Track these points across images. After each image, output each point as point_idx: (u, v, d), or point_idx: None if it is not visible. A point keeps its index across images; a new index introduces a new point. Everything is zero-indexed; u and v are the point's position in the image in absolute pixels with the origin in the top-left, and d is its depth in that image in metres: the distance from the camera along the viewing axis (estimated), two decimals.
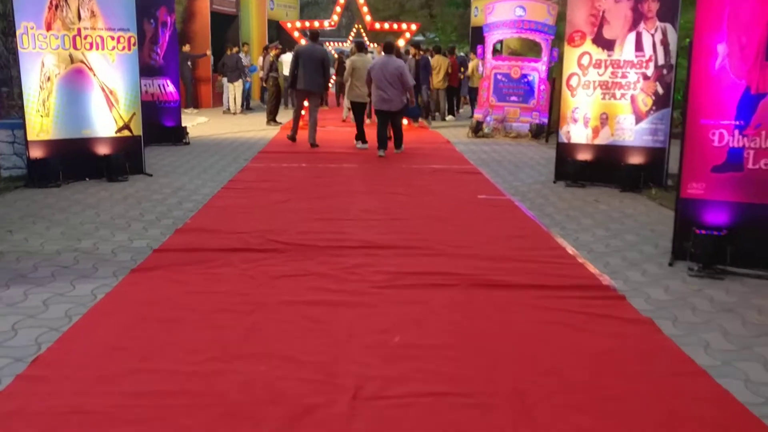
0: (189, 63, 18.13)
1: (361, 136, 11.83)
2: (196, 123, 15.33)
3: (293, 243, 5.60)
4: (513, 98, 13.67)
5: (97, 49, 8.34)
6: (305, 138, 11.87)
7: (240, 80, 17.55)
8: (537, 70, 13.43)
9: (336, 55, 22.89)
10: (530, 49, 15.42)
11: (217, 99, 19.25)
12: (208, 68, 19.47)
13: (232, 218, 6.50)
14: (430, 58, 15.76)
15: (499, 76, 13.70)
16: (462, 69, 18.01)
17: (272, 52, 15.49)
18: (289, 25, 14.43)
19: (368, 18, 14.60)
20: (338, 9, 14.67)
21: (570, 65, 8.78)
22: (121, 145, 8.63)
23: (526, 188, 8.43)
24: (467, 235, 6.04)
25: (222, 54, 18.25)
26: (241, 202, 7.21)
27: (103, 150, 8.51)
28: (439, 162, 10.32)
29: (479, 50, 13.98)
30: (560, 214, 7.00)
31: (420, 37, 29.47)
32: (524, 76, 13.55)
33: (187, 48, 18.13)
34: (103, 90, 8.45)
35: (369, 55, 17.64)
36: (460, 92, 18.83)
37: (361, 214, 6.79)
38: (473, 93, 17.48)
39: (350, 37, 28.88)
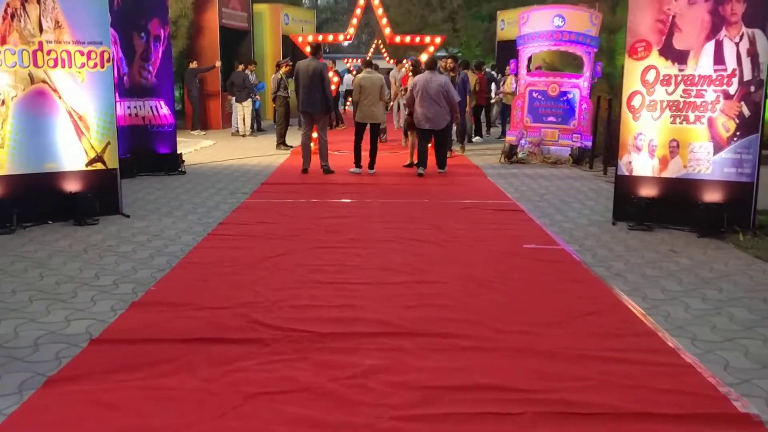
0: (197, 80, 16.84)
1: (358, 160, 10.52)
2: (200, 147, 13.96)
3: (284, 327, 4.09)
4: (550, 119, 12.13)
5: (63, 66, 6.95)
6: (318, 165, 10.45)
7: (249, 100, 16.19)
8: (578, 87, 11.90)
9: (354, 73, 21.48)
10: (568, 64, 13.91)
11: (228, 120, 17.90)
12: (217, 86, 18.16)
13: (211, 282, 5.02)
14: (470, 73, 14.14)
15: (534, 94, 12.19)
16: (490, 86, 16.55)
17: (282, 70, 14.10)
18: (300, 39, 13.04)
19: (387, 31, 13.16)
20: (354, 21, 13.25)
21: (632, 82, 7.25)
22: (92, 180, 7.21)
23: (581, 233, 6.87)
24: (521, 310, 4.50)
25: (232, 72, 16.93)
26: (226, 257, 5.73)
27: (70, 187, 7.10)
28: (471, 195, 8.79)
29: (512, 65, 12.48)
30: (634, 273, 5.44)
31: (442, 52, 28.05)
32: (563, 93, 12.02)
33: (194, 64, 16.85)
34: (70, 115, 7.05)
35: (396, 71, 16.23)
36: (489, 111, 17.37)
37: (379, 274, 5.28)
38: (507, 112, 15.97)
39: (369, 54, 27.53)
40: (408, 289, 4.90)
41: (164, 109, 10.38)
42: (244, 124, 16.29)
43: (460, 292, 4.84)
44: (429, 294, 4.80)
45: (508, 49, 23.07)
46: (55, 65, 6.91)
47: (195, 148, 13.69)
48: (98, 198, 7.17)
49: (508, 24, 22.87)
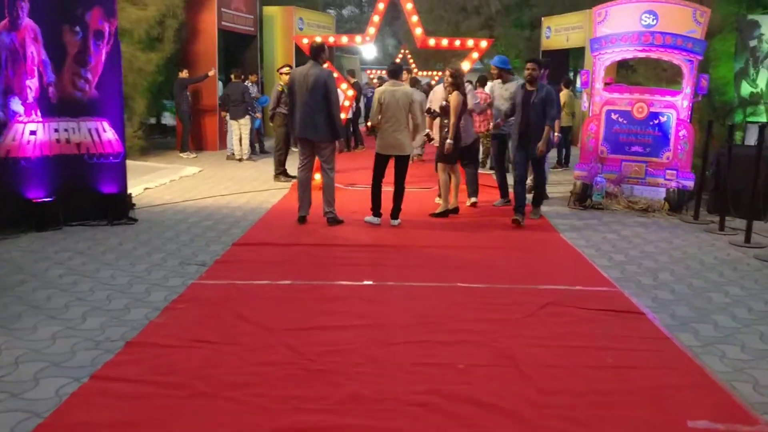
0: (187, 92, 13.99)
1: (376, 207, 7.58)
2: (179, 177, 11.06)
3: None
4: (635, 149, 9.06)
5: None
6: (321, 209, 7.52)
7: (247, 117, 13.28)
8: (674, 107, 8.82)
9: (377, 84, 18.58)
10: (653, 76, 10.85)
11: (226, 140, 15.02)
12: (215, 99, 15.31)
13: None
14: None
15: (613, 116, 9.12)
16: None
17: (282, 80, 11.18)
18: (305, 40, 10.09)
19: (418, 32, 10.21)
20: (375, 18, 10.31)
21: None
22: None
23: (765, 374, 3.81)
24: None
25: (227, 83, 14.06)
26: None
27: None
28: (548, 273, 5.75)
29: (583, 77, 9.43)
30: None
31: (478, 65, 25.02)
32: (654, 115, 8.94)
33: (184, 74, 14.02)
34: None
35: (409, 86, 13.28)
36: None
37: None
38: (562, 136, 12.91)
39: (398, 59, 24.66)
40: None
41: (109, 133, 7.47)
42: (240, 147, 13.40)
43: None
44: None
45: (554, 60, 20.08)
46: None
47: (172, 179, 10.80)
48: None
49: (555, 32, 19.88)
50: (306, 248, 6.45)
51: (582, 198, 8.91)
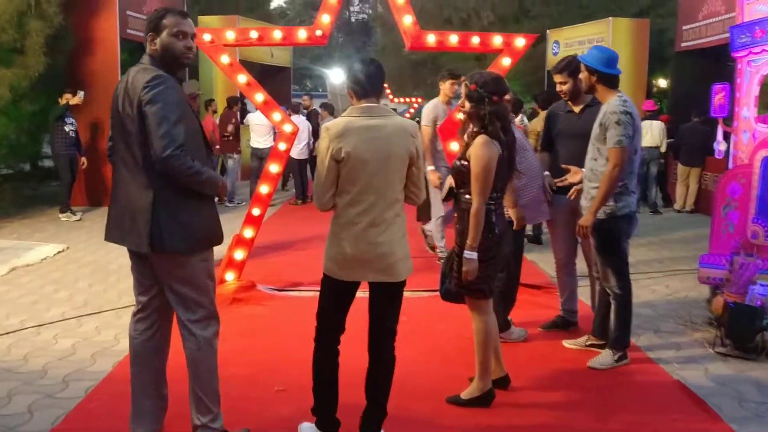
0: (69, 127, 9.56)
1: (326, 408, 3.12)
2: (7, 270, 6.53)
3: None
4: None
5: None
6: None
7: None
8: None
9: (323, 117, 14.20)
10: None
11: None
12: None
13: None
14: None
15: None
16: None
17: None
18: (207, 37, 5.63)
19: (408, 21, 5.73)
20: (332, 0, 5.89)
21: None
22: None
23: None
24: None
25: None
26: None
27: None
28: None
29: (718, 97, 5.15)
30: None
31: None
32: None
33: (65, 99, 9.64)
34: None
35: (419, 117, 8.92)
36: None
37: None
38: None
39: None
40: None
41: None
42: None
43: None
44: None
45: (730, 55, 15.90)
46: None
47: (13, 266, 6.29)
48: None
49: (566, 46, 15.90)
50: None
51: (740, 332, 4.52)
